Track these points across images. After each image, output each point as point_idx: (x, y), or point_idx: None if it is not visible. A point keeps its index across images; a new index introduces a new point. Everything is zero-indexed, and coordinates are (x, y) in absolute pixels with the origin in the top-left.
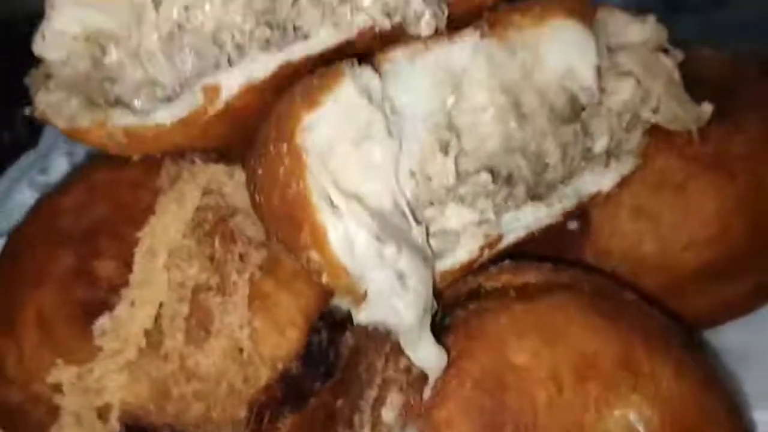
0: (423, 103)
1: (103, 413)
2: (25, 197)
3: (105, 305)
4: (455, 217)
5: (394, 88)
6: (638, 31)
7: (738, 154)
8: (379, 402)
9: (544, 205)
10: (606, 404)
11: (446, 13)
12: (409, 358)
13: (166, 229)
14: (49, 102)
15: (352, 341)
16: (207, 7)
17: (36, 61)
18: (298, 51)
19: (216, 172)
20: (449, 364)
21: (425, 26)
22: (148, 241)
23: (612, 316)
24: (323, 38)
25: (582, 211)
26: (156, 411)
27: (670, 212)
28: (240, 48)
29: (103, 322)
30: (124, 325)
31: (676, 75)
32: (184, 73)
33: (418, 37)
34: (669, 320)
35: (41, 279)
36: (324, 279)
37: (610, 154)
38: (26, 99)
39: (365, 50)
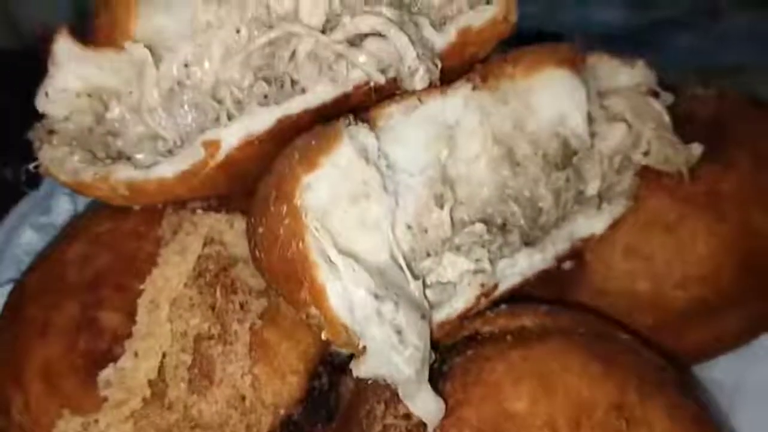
0: (418, 156)
1: None
2: (29, 238)
3: (109, 356)
4: (452, 267)
5: (390, 143)
6: (628, 76)
7: (728, 194)
8: None
9: (538, 251)
10: None
11: (439, 66)
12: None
13: (169, 280)
14: (53, 157)
15: (352, 384)
16: (206, 64)
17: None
18: (295, 105)
19: (217, 221)
20: (448, 412)
21: (419, 81)
22: (151, 293)
23: (606, 359)
24: (320, 93)
25: (578, 253)
26: None
27: (663, 252)
28: (239, 103)
29: (107, 373)
30: (129, 375)
31: (666, 117)
32: (185, 128)
33: (412, 91)
34: (662, 360)
35: (46, 329)
36: (324, 335)
37: (602, 197)
38: (30, 151)
39: (361, 103)
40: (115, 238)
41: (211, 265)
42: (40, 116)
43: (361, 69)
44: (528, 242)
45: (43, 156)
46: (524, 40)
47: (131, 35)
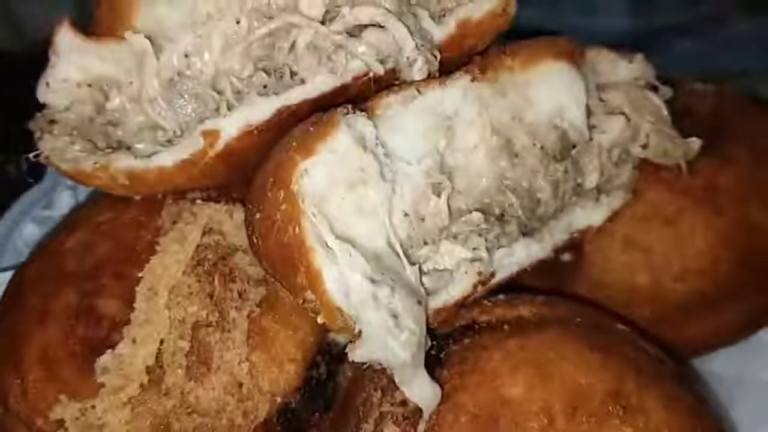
0: (416, 146)
1: None
2: (30, 232)
3: (107, 343)
4: (448, 255)
5: (388, 131)
6: (626, 70)
7: (726, 187)
8: None
9: (536, 241)
10: None
11: (438, 57)
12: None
13: (167, 268)
14: (53, 147)
15: (350, 372)
16: (206, 54)
17: (39, 104)
18: (295, 95)
19: (216, 211)
20: (444, 399)
21: (418, 72)
22: (150, 280)
23: (603, 349)
24: (319, 83)
25: (576, 244)
26: None
27: (661, 244)
28: (239, 93)
29: (105, 359)
30: (126, 362)
31: (665, 111)
32: (185, 117)
33: (411, 81)
34: (660, 351)
35: (45, 316)
36: (320, 319)
37: (600, 190)
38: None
39: (360, 93)
40: (115, 227)
41: (209, 254)
42: (41, 107)
43: (360, 59)
44: (526, 233)
45: (43, 146)
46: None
47: (132, 26)
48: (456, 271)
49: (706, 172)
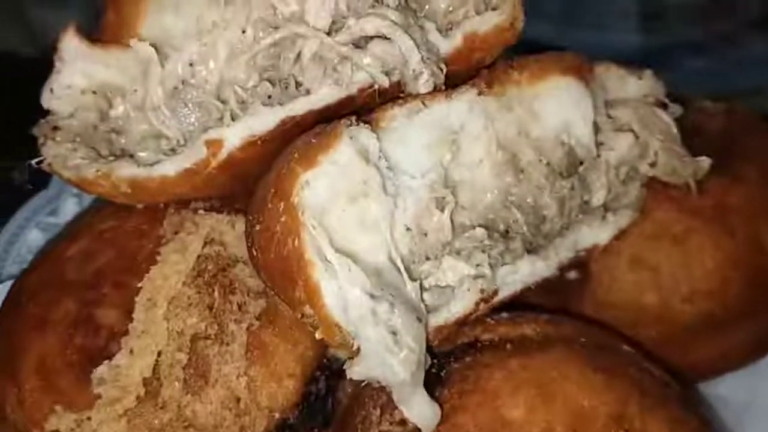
0: (420, 159)
1: None
2: (35, 238)
3: (105, 353)
4: (451, 271)
5: (392, 144)
6: (636, 86)
7: (736, 207)
8: None
9: (541, 259)
10: None
11: (444, 71)
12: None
13: (167, 278)
14: (57, 154)
15: (350, 389)
16: (211, 64)
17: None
18: (299, 106)
19: (218, 221)
20: (444, 418)
21: (423, 85)
22: (149, 290)
23: (608, 371)
24: (324, 94)
25: (582, 262)
26: None
27: (670, 264)
28: (243, 103)
29: (102, 370)
30: (123, 373)
31: (674, 129)
32: (189, 126)
33: (416, 94)
34: (666, 374)
35: (44, 325)
36: (318, 334)
37: (607, 207)
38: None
39: (365, 105)
40: (117, 235)
41: (210, 265)
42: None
43: (365, 71)
44: (531, 250)
45: (46, 152)
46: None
47: (138, 33)
48: (458, 287)
49: (715, 192)
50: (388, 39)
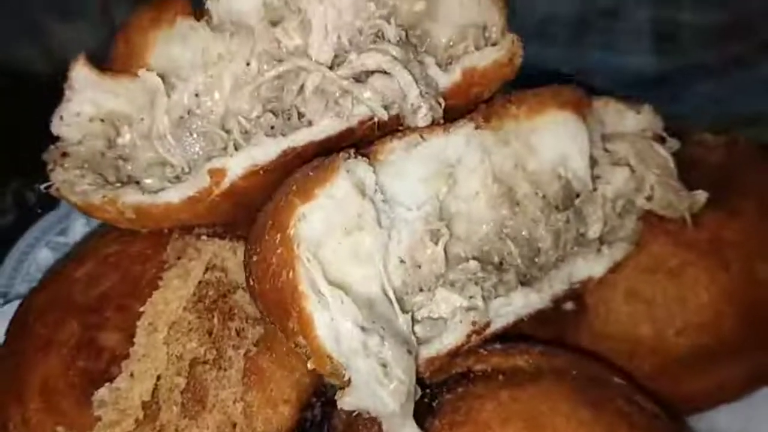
0: (416, 192)
1: None
2: (44, 257)
3: (106, 376)
4: (444, 302)
5: (389, 177)
6: (634, 120)
7: (732, 242)
8: None
9: (534, 291)
10: None
11: (443, 105)
12: None
13: (169, 303)
14: (64, 179)
15: (344, 416)
16: (216, 94)
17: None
18: (301, 137)
19: (220, 247)
20: None
21: (422, 119)
22: (151, 315)
23: (598, 405)
24: (325, 126)
25: (578, 294)
26: None
27: (665, 297)
28: (246, 133)
29: (103, 392)
30: (123, 396)
31: (671, 163)
32: (193, 155)
33: (415, 127)
34: (656, 407)
35: (49, 346)
36: (311, 364)
37: (603, 240)
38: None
39: (365, 137)
40: (121, 259)
41: (211, 291)
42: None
43: (365, 105)
44: (524, 282)
45: (55, 177)
46: (539, 79)
47: (146, 63)
48: (451, 319)
49: (711, 225)
50: (388, 74)
